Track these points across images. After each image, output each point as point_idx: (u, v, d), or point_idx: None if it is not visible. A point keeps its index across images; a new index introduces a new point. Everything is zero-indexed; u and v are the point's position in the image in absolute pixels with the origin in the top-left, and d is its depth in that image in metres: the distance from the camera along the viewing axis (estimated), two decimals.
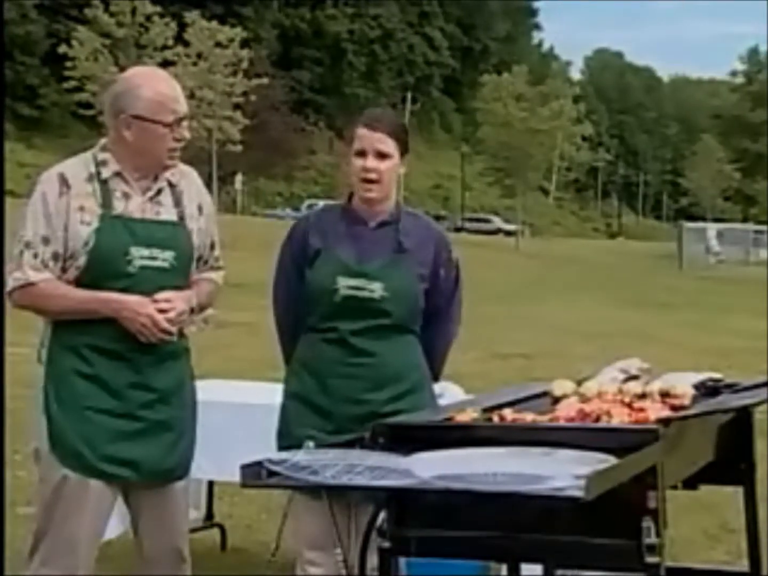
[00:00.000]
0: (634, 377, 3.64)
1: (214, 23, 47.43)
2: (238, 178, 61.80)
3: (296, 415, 3.82)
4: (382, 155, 3.72)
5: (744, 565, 4.07)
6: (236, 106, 45.77)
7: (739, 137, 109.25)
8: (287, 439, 3.75)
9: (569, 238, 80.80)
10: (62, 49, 46.86)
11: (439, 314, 3.88)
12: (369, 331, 3.74)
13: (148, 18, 46.17)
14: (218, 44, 45.94)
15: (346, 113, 73.69)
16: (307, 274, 3.82)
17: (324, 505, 3.77)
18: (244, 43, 47.35)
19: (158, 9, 46.75)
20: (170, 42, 45.46)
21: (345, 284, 3.73)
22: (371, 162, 3.72)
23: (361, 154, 3.74)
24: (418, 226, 3.87)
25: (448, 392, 4.89)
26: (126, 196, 3.63)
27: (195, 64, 45.02)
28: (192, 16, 47.50)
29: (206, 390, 4.30)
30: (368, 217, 3.83)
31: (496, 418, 3.18)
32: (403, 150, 3.79)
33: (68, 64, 45.74)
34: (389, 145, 3.73)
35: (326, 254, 3.79)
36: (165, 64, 40.90)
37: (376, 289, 3.72)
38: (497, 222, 78.81)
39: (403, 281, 3.76)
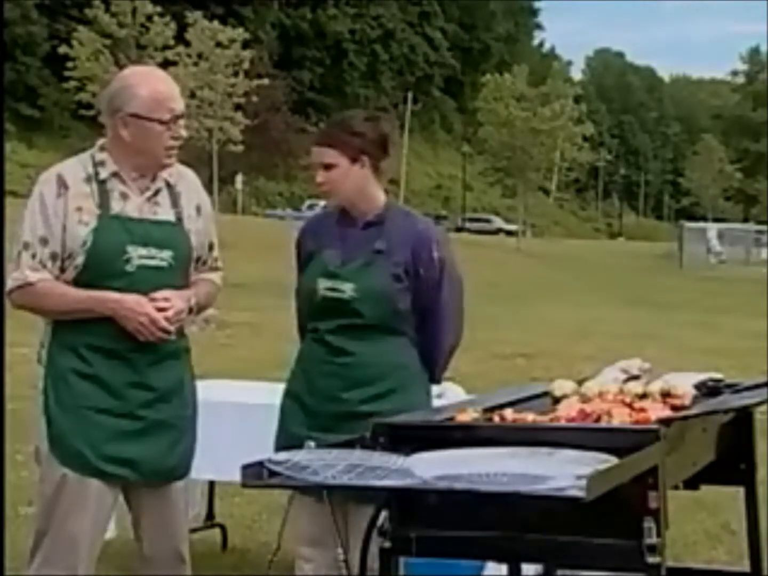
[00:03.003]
0: (635, 377, 3.63)
1: (215, 23, 47.37)
2: (239, 178, 61.70)
3: (289, 413, 3.90)
4: (326, 166, 3.81)
5: (745, 566, 4.06)
6: (237, 107, 45.68)
7: (740, 137, 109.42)
8: (282, 436, 3.85)
9: (570, 238, 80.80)
10: (63, 49, 46.84)
11: (428, 315, 3.88)
12: (344, 330, 3.79)
13: (149, 18, 46.09)
14: (219, 44, 45.87)
15: None
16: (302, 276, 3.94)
17: (322, 505, 3.78)
18: (245, 44, 47.29)
19: (159, 9, 46.65)
20: (171, 42, 45.39)
21: (323, 285, 3.81)
22: (319, 176, 3.83)
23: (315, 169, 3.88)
24: (403, 225, 3.87)
25: (449, 392, 4.89)
26: (124, 196, 3.63)
27: (196, 64, 44.96)
28: (193, 16, 47.44)
29: (206, 390, 4.30)
30: (358, 218, 3.88)
31: (496, 418, 3.18)
32: (356, 154, 3.79)
33: (69, 64, 45.72)
34: (330, 156, 3.80)
35: (316, 256, 3.87)
36: (166, 64, 40.86)
37: (346, 289, 3.78)
38: (498, 222, 78.86)
39: (375, 282, 3.78)
